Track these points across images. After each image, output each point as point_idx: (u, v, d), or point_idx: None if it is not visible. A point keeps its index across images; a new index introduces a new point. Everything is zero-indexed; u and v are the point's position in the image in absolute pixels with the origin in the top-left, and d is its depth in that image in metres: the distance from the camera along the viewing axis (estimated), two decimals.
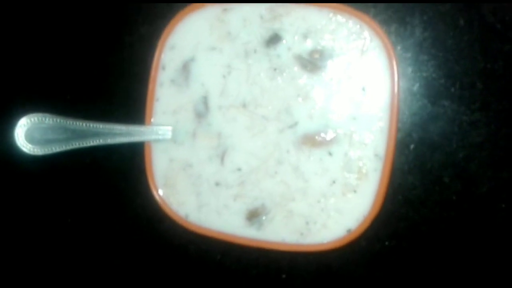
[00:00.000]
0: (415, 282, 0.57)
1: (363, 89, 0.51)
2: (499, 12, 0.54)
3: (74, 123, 0.53)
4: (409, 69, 0.54)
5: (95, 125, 0.53)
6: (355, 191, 0.51)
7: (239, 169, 0.53)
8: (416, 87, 0.55)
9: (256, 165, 0.53)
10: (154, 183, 0.54)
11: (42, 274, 0.62)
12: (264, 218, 0.53)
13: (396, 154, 0.51)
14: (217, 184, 0.54)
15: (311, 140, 0.52)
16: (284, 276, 0.58)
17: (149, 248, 0.60)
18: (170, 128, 0.54)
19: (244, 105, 0.53)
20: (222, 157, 0.53)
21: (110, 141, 0.53)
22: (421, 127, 0.55)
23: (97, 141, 0.53)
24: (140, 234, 0.60)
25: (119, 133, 0.53)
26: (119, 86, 0.58)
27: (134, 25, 0.57)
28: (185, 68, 0.54)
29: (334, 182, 0.52)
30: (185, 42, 0.54)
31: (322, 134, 0.52)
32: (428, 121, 0.55)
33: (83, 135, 0.53)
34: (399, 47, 0.54)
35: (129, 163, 0.57)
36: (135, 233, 0.60)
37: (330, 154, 0.52)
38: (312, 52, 0.52)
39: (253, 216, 0.53)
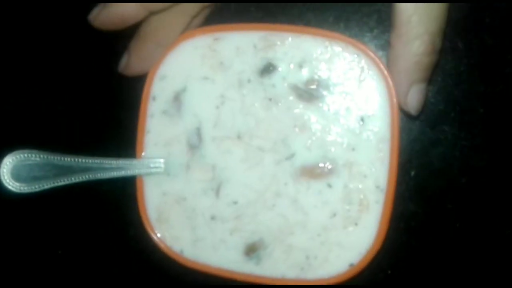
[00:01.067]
0: None
1: (362, 119, 0.50)
2: (498, 35, 0.53)
3: (62, 158, 0.51)
4: None
5: (83, 160, 0.51)
6: (356, 224, 0.50)
7: (235, 202, 0.52)
8: None
9: (253, 198, 0.51)
10: (147, 217, 0.53)
11: None
12: (262, 252, 0.51)
13: (396, 181, 0.50)
14: (212, 218, 0.52)
15: (309, 172, 0.50)
16: None
17: (143, 281, 0.59)
18: (162, 160, 0.52)
19: (239, 137, 0.51)
20: (217, 190, 0.52)
21: (100, 176, 0.52)
22: (421, 153, 0.55)
23: (86, 176, 0.51)
24: (134, 266, 0.59)
25: (109, 168, 0.52)
26: (108, 118, 0.57)
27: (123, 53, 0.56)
28: (177, 99, 0.52)
29: (334, 215, 0.50)
30: (176, 72, 0.52)
31: (321, 165, 0.50)
32: (428, 147, 0.54)
33: (71, 170, 0.51)
34: None
35: (121, 196, 0.56)
36: (128, 266, 0.59)
37: (329, 186, 0.50)
38: (308, 82, 0.51)
39: (251, 250, 0.52)
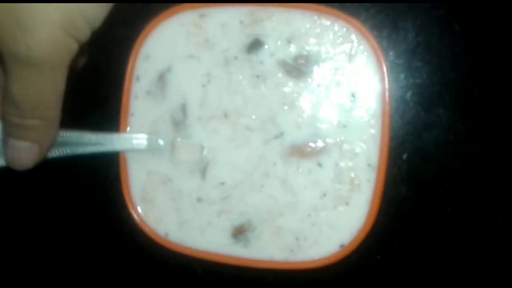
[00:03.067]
0: None
1: (353, 95, 0.49)
2: (496, 18, 0.52)
3: None
4: (402, 76, 0.53)
5: (62, 134, 0.47)
6: (347, 203, 0.49)
7: (223, 183, 0.51)
8: (409, 94, 0.53)
9: (240, 178, 0.50)
10: (131, 197, 0.52)
11: None
12: (250, 234, 0.50)
13: (388, 164, 0.49)
14: (199, 200, 0.51)
15: (299, 151, 0.49)
16: None
17: (127, 263, 0.58)
18: (144, 136, 0.51)
19: (226, 116, 0.50)
20: (203, 171, 0.51)
21: (80, 150, 0.49)
22: (414, 136, 0.54)
23: (65, 150, 0.48)
24: (117, 249, 0.58)
25: (89, 142, 0.49)
26: (93, 94, 0.56)
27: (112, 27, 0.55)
28: (161, 79, 0.51)
29: (325, 194, 0.49)
30: (160, 51, 0.51)
31: (311, 144, 0.49)
32: (422, 130, 0.54)
33: None
34: (391, 53, 0.53)
35: (104, 175, 0.55)
36: (111, 248, 0.58)
37: (319, 165, 0.49)
38: (297, 58, 0.50)
39: (239, 233, 0.51)
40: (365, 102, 0.49)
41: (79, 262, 0.59)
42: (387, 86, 0.48)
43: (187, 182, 0.51)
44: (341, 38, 0.49)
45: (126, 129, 0.51)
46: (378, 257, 0.54)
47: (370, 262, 0.54)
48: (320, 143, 0.49)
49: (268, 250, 0.50)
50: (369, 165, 0.49)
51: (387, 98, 0.48)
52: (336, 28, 0.49)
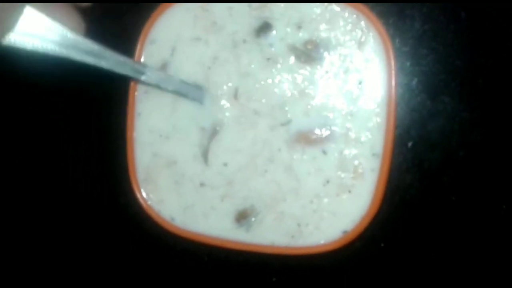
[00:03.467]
0: (410, 285, 0.55)
1: (360, 82, 0.49)
2: (502, 6, 0.52)
3: (67, 33, 0.43)
4: (408, 63, 0.53)
5: (88, 42, 0.44)
6: (350, 191, 0.49)
7: (225, 164, 0.51)
8: (414, 82, 0.53)
9: (244, 162, 0.50)
10: (135, 176, 0.52)
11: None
12: (253, 219, 0.51)
13: (393, 152, 0.49)
14: (202, 184, 0.51)
15: (305, 138, 0.49)
16: (274, 279, 0.57)
17: (133, 248, 0.58)
18: (158, 72, 0.49)
19: (235, 96, 0.50)
20: (206, 153, 0.51)
21: (100, 63, 0.45)
22: (419, 124, 0.53)
23: (88, 58, 0.44)
24: (123, 232, 0.58)
25: (110, 58, 0.45)
26: (99, 89, 0.56)
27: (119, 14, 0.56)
28: (164, 68, 0.51)
29: (328, 182, 0.49)
30: (166, 35, 0.51)
31: (317, 131, 0.49)
32: (427, 118, 0.53)
33: (74, 45, 0.43)
34: (397, 40, 0.53)
35: (111, 157, 0.56)
36: (116, 231, 0.59)
37: (324, 152, 0.49)
38: (307, 43, 0.49)
39: (242, 217, 0.51)
40: (371, 90, 0.49)
41: (83, 248, 0.59)
42: (394, 75, 0.48)
43: (191, 166, 0.51)
44: (350, 25, 0.49)
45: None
46: (382, 244, 0.55)
47: (374, 250, 0.54)
48: (326, 131, 0.49)
49: (270, 235, 0.51)
50: (373, 154, 0.49)
51: (393, 86, 0.48)
52: (346, 14, 0.49)
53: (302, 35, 0.49)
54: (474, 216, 0.54)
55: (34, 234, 0.60)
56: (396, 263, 0.55)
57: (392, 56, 0.48)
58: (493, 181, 0.53)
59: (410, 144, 0.53)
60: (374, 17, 0.48)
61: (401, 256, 0.55)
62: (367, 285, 0.56)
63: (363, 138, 0.49)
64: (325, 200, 0.49)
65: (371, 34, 0.49)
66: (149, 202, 0.52)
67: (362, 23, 0.49)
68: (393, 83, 0.48)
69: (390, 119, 0.48)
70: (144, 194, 0.52)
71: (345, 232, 0.49)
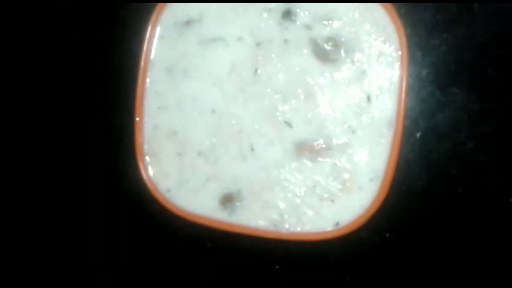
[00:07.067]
0: (415, 276, 0.55)
1: (368, 98, 0.50)
2: None
3: None
4: (419, 53, 0.53)
5: None
6: (332, 201, 0.51)
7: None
8: (425, 72, 0.53)
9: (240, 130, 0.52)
10: (141, 149, 0.53)
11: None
12: (238, 204, 0.52)
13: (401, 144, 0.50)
14: (199, 153, 0.52)
15: (302, 146, 0.51)
16: (278, 267, 0.56)
17: (136, 231, 0.58)
18: None
19: (255, 72, 0.51)
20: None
21: None
22: (428, 115, 0.53)
23: None
24: (125, 210, 0.58)
25: None
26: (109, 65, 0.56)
27: None
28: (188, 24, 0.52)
29: (315, 186, 0.51)
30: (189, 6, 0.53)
31: (316, 143, 0.51)
32: (436, 109, 0.53)
33: None
34: (408, 30, 0.52)
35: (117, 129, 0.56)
36: (118, 208, 0.58)
37: (318, 161, 0.50)
38: (328, 40, 0.50)
39: (227, 200, 0.52)
40: (379, 106, 0.50)
41: (88, 227, 0.59)
42: (404, 96, 0.49)
43: (192, 134, 0.52)
44: (377, 34, 0.50)
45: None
46: (387, 235, 0.55)
47: (379, 240, 0.55)
48: (323, 144, 0.50)
49: (252, 221, 0.52)
50: (371, 179, 0.50)
51: (401, 114, 0.49)
52: (377, 20, 0.50)
53: (325, 31, 0.50)
54: (480, 208, 0.54)
55: (36, 200, 0.60)
56: (401, 254, 0.55)
57: (405, 77, 0.49)
58: (501, 174, 0.53)
59: (418, 134, 0.53)
60: (399, 21, 0.49)
61: (406, 247, 0.55)
62: (372, 275, 0.55)
63: (360, 158, 0.50)
64: (309, 200, 0.51)
65: (391, 47, 0.50)
66: (149, 171, 0.53)
67: (387, 31, 0.50)
68: (402, 107, 0.49)
69: (396, 142, 0.49)
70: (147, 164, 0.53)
71: (337, 224, 0.51)
